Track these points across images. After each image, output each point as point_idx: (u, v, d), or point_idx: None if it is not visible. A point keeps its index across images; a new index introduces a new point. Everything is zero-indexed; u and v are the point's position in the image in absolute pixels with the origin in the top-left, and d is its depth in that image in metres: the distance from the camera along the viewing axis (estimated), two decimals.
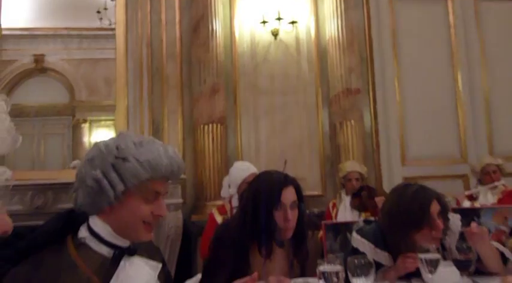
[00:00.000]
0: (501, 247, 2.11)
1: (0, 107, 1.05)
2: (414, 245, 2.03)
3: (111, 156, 1.30)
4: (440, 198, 2.07)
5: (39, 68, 5.50)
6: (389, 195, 2.29)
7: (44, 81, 5.57)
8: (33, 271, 1.23)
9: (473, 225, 1.92)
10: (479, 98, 5.31)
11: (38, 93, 5.47)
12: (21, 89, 5.42)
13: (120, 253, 1.35)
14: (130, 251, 1.37)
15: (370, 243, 2.13)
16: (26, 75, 5.45)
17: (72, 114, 5.60)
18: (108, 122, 5.46)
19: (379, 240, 2.13)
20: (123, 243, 1.36)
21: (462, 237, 2.03)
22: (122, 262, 1.34)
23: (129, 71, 4.78)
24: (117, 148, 1.31)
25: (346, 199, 4.05)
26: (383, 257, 2.12)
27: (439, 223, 2.01)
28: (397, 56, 5.28)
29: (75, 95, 5.59)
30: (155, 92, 4.78)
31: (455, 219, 2.20)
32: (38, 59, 5.46)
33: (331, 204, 4.32)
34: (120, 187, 1.29)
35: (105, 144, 1.34)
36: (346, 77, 4.86)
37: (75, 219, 1.37)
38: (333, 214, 4.17)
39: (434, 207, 2.03)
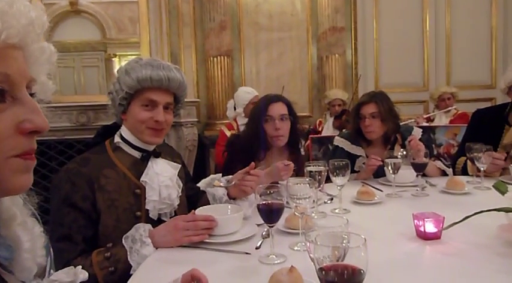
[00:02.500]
0: (443, 167, 2.14)
1: None
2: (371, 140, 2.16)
3: (119, 73, 1.32)
4: (380, 105, 2.08)
5: (74, 9, 5.27)
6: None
7: (78, 21, 5.35)
8: (81, 167, 1.25)
9: (411, 138, 1.92)
10: (442, 36, 5.15)
11: (74, 32, 5.27)
12: (61, 28, 5.22)
13: (147, 155, 1.36)
14: (156, 154, 1.38)
15: (346, 140, 2.24)
16: (63, 16, 5.23)
17: (104, 50, 5.46)
18: (135, 56, 5.34)
19: (354, 138, 2.22)
20: (148, 147, 1.37)
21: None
22: (149, 163, 1.35)
23: (150, 10, 4.61)
24: (124, 66, 1.32)
25: (330, 120, 4.10)
26: (358, 150, 2.20)
27: (366, 121, 2.09)
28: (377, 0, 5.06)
29: (106, 33, 5.41)
30: (172, 28, 4.65)
31: (417, 131, 2.24)
32: (73, 2, 5.22)
33: (317, 122, 4.38)
34: (120, 94, 1.30)
35: (124, 65, 1.34)
36: (333, 16, 4.69)
37: (112, 128, 1.40)
38: (319, 129, 4.23)
39: (366, 109, 2.09)
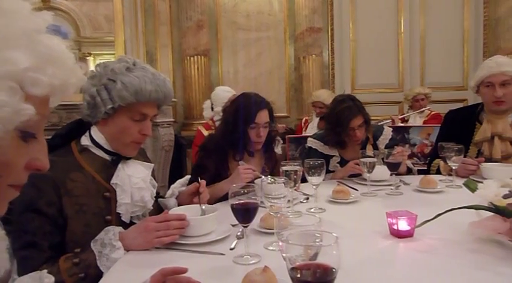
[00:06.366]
0: (410, 165, 2.19)
1: None
2: (346, 143, 2.16)
3: (105, 77, 1.23)
4: (364, 113, 2.11)
5: (47, 6, 5.10)
6: (331, 103, 2.32)
7: (51, 19, 5.21)
8: (47, 171, 1.18)
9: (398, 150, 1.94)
10: (417, 38, 5.26)
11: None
12: None
13: (118, 158, 1.31)
14: (127, 156, 1.33)
15: (319, 141, 2.24)
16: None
17: (78, 48, 5.33)
18: (110, 56, 5.22)
19: (327, 139, 2.21)
20: None
21: (392, 147, 2.07)
22: (120, 165, 1.30)
23: (125, 8, 4.52)
24: (111, 70, 1.23)
25: (315, 120, 4.09)
26: (331, 151, 2.21)
27: (357, 133, 2.09)
28: (353, 1, 5.12)
29: (80, 32, 5.28)
30: (148, 27, 4.59)
31: (387, 130, 2.28)
32: None
33: (304, 120, 4.36)
34: (109, 104, 1.22)
35: (105, 65, 1.26)
36: (310, 17, 4.74)
37: (78, 128, 1.33)
38: (304, 127, 4.22)
39: (356, 122, 2.07)
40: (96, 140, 1.29)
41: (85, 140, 1.29)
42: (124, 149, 1.29)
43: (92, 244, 1.11)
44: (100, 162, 1.29)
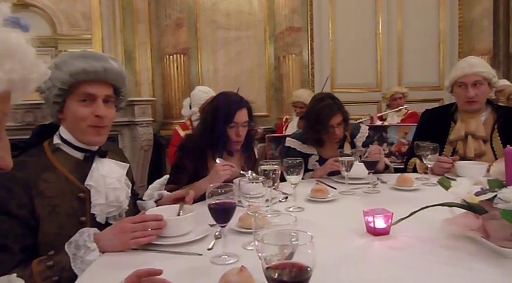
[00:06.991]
0: (388, 163, 2.22)
1: None
2: (324, 141, 2.18)
3: (51, 68, 1.20)
4: (343, 111, 2.13)
5: (21, 3, 4.95)
6: (310, 101, 2.33)
7: (26, 15, 5.03)
8: (17, 172, 1.14)
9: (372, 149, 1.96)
10: (394, 39, 5.36)
11: None
12: None
13: (91, 156, 1.28)
14: (101, 153, 1.31)
15: (297, 140, 2.26)
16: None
17: (55, 46, 5.19)
18: None
19: (305, 138, 2.23)
20: (91, 147, 1.29)
21: (369, 145, 2.10)
22: (94, 164, 1.28)
23: (102, 5, 4.45)
24: (56, 62, 1.22)
25: (295, 119, 4.10)
26: (309, 149, 2.22)
27: (336, 131, 2.11)
28: (332, 2, 5.17)
29: (56, 29, 5.14)
30: (126, 25, 4.52)
31: (364, 128, 2.32)
32: None
33: (284, 119, 4.37)
34: (53, 91, 1.20)
35: (54, 60, 1.24)
36: (290, 17, 4.75)
37: (51, 127, 1.30)
38: (284, 127, 4.23)
39: (335, 120, 2.09)
40: (65, 137, 1.26)
41: (56, 139, 1.27)
42: (85, 137, 1.25)
43: (66, 246, 1.09)
44: (73, 161, 1.26)
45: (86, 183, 1.23)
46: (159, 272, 0.83)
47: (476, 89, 2.08)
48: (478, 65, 2.11)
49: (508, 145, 1.13)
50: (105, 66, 1.23)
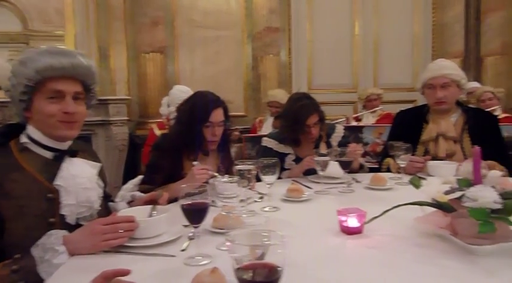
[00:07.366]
0: (363, 162, 2.25)
1: None
2: (301, 140, 2.19)
3: (16, 65, 1.19)
4: (320, 111, 2.16)
5: None
6: (287, 101, 2.35)
7: None
8: None
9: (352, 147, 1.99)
10: (370, 41, 5.44)
11: None
12: None
13: (61, 155, 1.25)
14: (71, 153, 1.28)
15: (274, 140, 2.26)
16: None
17: (26, 42, 5.01)
18: None
19: (282, 137, 2.24)
20: (61, 146, 1.26)
21: (344, 144, 2.12)
22: (63, 163, 1.24)
23: (76, 1, 4.34)
24: (21, 58, 1.19)
25: (270, 119, 4.09)
26: (286, 149, 2.24)
27: (312, 130, 2.13)
28: (310, 2, 5.21)
29: (28, 25, 4.97)
30: (101, 22, 4.42)
31: (339, 128, 2.35)
32: None
33: (258, 120, 4.36)
34: (19, 88, 1.18)
35: (19, 57, 1.21)
36: (268, 17, 4.78)
37: (18, 127, 1.26)
38: (259, 127, 4.23)
39: (312, 119, 2.11)
40: (33, 136, 1.22)
41: (24, 138, 1.23)
42: (57, 131, 1.22)
43: (32, 249, 1.05)
44: (42, 161, 1.22)
45: (54, 183, 1.20)
46: (127, 272, 0.81)
47: (444, 90, 2.13)
48: (447, 67, 2.17)
49: (474, 146, 1.16)
50: (73, 62, 1.20)
